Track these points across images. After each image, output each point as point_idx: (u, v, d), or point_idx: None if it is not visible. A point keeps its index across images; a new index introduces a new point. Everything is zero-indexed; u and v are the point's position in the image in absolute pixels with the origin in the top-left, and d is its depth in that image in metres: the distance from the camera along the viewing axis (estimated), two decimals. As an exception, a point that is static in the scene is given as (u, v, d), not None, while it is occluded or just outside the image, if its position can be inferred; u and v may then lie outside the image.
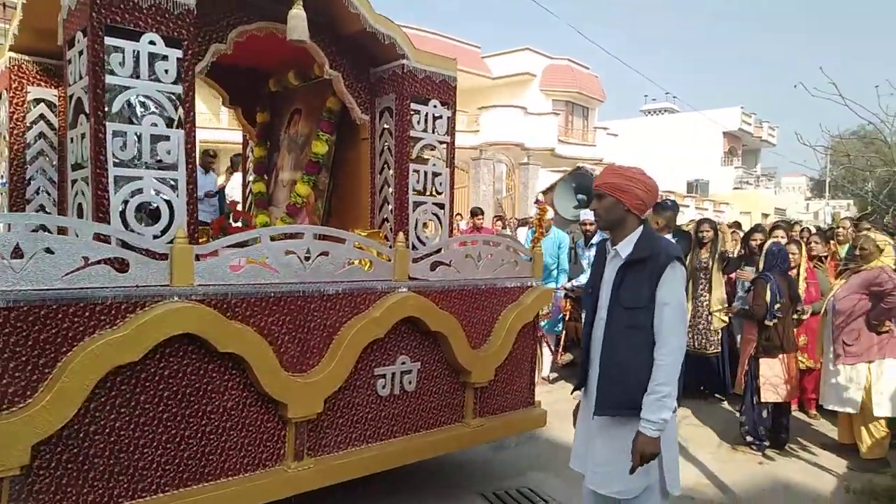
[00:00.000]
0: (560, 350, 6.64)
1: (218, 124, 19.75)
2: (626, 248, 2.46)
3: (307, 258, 2.96)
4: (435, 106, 3.70)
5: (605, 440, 2.47)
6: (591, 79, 31.01)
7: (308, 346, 2.98)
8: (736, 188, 34.94)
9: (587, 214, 6.35)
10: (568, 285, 6.43)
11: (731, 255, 6.25)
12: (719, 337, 6.20)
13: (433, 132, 3.71)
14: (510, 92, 29.34)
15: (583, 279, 6.16)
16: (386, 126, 3.68)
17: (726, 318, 6.16)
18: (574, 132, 30.09)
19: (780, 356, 4.82)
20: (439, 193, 3.81)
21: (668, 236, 4.82)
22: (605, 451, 2.46)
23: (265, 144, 4.60)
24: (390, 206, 3.64)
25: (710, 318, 6.17)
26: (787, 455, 4.85)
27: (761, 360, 4.83)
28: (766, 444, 4.89)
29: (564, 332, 6.61)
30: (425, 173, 3.68)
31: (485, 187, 17.87)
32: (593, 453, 2.52)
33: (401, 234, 3.39)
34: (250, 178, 4.61)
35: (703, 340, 6.22)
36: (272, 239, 2.87)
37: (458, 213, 13.30)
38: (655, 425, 2.29)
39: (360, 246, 3.24)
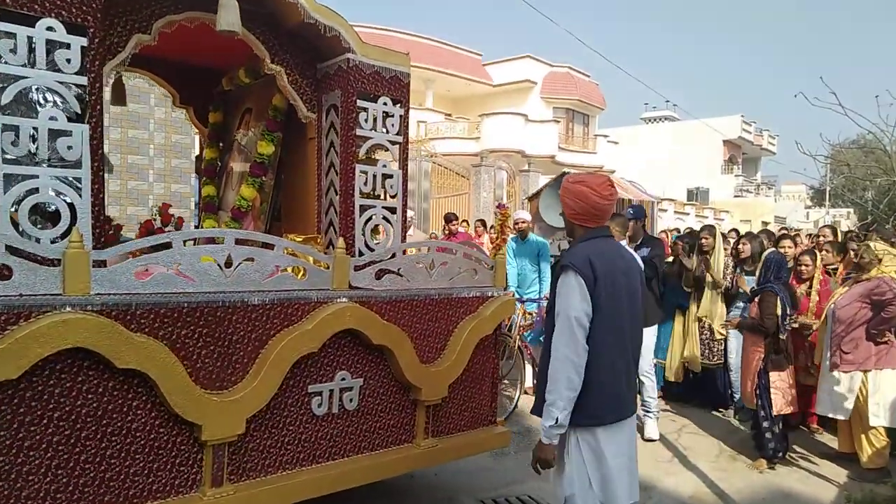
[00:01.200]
0: None
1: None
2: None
3: (228, 265, 2.72)
4: (385, 103, 3.46)
5: None
6: (592, 86, 30.89)
7: (229, 361, 2.73)
8: (736, 196, 34.70)
9: None
10: None
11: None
12: (722, 348, 5.97)
13: (383, 131, 3.47)
14: (511, 99, 29.29)
15: None
16: (332, 125, 3.44)
17: (724, 332, 5.91)
18: (574, 140, 29.94)
19: (789, 368, 4.76)
20: (392, 197, 3.57)
21: (623, 243, 4.58)
22: None
23: (217, 146, 4.37)
24: (336, 210, 3.40)
25: (712, 328, 5.94)
26: (788, 464, 4.77)
27: (772, 373, 4.70)
28: (781, 455, 4.79)
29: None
30: (374, 175, 3.44)
31: (485, 194, 17.79)
32: None
33: (341, 240, 3.13)
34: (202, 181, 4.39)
35: (707, 351, 5.97)
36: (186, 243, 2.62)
37: (464, 220, 13.05)
38: (543, 432, 2.35)
39: (294, 252, 2.99)
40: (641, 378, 5.33)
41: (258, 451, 2.86)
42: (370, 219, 3.42)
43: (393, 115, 3.50)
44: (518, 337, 5.83)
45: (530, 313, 6.12)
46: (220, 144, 4.38)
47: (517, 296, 6.30)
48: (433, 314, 3.50)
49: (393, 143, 3.54)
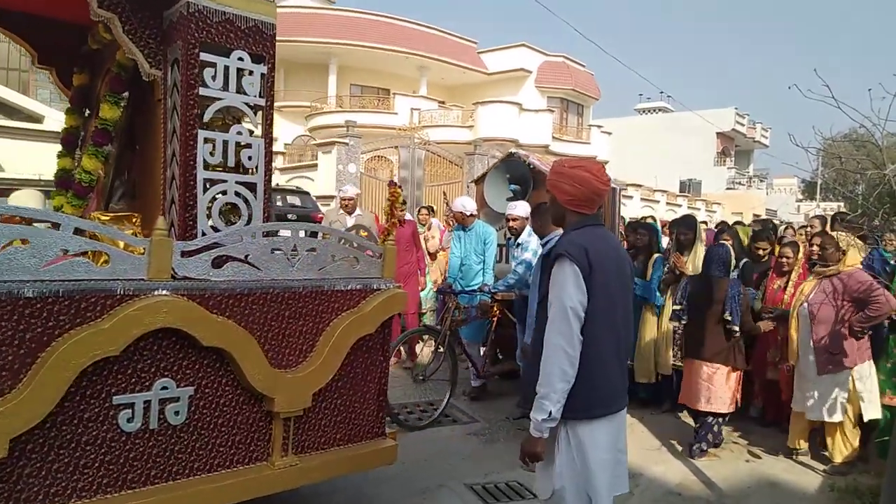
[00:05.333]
0: (487, 362, 5.81)
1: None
2: (551, 243, 2.57)
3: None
4: (241, 59, 2.90)
5: None
6: (587, 76, 30.30)
7: (-9, 367, 2.20)
8: (728, 188, 34.37)
9: (512, 209, 5.51)
10: (489, 286, 5.59)
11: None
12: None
13: (238, 92, 2.91)
14: (505, 88, 28.80)
15: (509, 281, 5.34)
16: (175, 83, 2.89)
17: None
18: (568, 129, 29.40)
19: (701, 362, 4.58)
20: (254, 171, 3.02)
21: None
22: None
23: (81, 112, 3.82)
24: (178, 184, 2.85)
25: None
26: (773, 454, 4.77)
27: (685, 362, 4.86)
28: (703, 447, 4.68)
29: (490, 340, 5.78)
30: (225, 143, 2.89)
31: (478, 183, 17.39)
32: None
33: (160, 219, 2.57)
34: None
35: (679, 352, 5.39)
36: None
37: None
38: (533, 424, 2.24)
39: (95, 234, 2.44)
40: None
41: (38, 477, 2.32)
42: (221, 195, 2.88)
43: (252, 73, 2.95)
44: (450, 332, 5.29)
45: (466, 307, 5.57)
46: (86, 111, 3.83)
47: (457, 287, 5.78)
48: (295, 310, 2.95)
49: (253, 107, 2.98)
